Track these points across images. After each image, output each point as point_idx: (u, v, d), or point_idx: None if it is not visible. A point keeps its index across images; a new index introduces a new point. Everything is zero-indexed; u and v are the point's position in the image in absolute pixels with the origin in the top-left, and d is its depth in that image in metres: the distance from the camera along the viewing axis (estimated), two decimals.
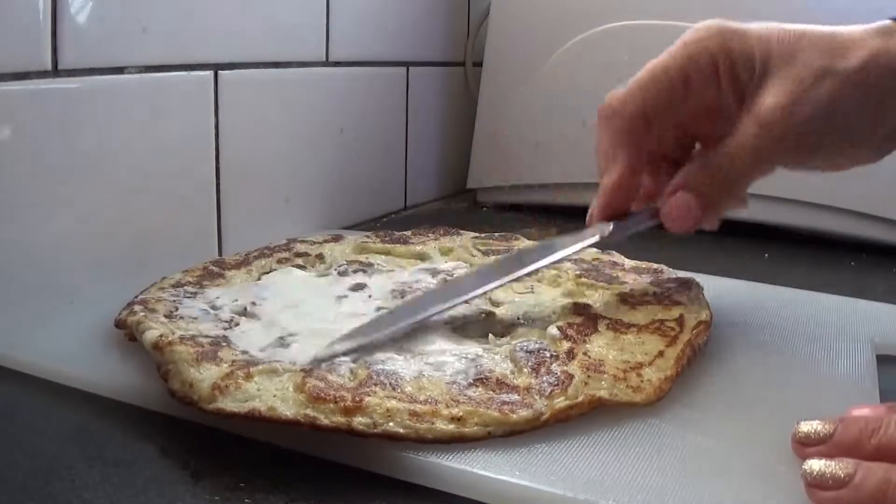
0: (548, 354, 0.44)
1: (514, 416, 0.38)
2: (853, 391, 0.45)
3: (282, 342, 0.45)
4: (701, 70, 0.45)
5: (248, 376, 0.39)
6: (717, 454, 0.37)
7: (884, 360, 0.50)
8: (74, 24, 0.53)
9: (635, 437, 0.39)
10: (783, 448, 0.38)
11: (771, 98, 0.43)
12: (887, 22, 0.43)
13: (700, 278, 0.57)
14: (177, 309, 0.48)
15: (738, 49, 0.44)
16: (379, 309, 0.50)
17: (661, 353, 0.44)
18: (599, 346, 0.45)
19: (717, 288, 0.57)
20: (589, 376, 0.41)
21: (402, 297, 0.52)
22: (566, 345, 0.45)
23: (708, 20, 0.45)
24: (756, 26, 0.45)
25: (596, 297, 0.54)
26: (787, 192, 0.80)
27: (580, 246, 0.48)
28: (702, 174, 0.45)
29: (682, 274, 0.60)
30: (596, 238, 0.48)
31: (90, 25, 0.54)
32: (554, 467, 0.36)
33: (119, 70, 0.57)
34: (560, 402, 0.39)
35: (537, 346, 0.45)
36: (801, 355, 0.50)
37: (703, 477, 0.36)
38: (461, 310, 0.50)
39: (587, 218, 0.49)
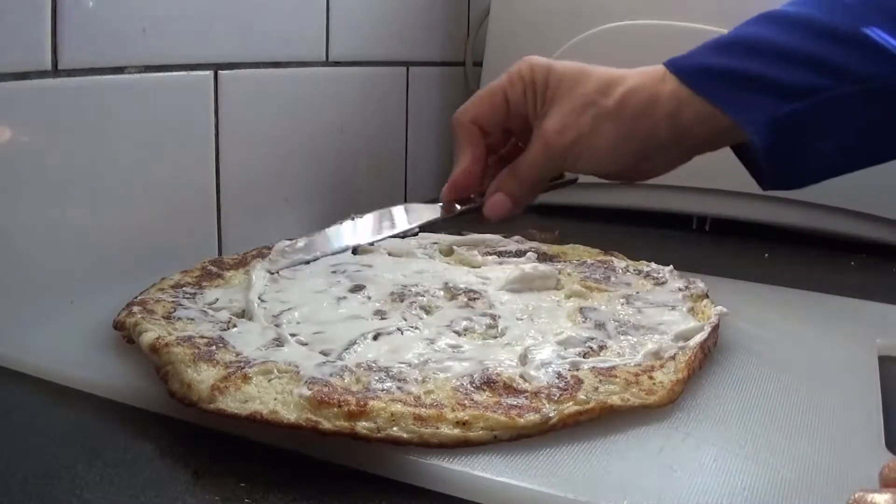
0: (558, 358, 0.44)
1: (522, 420, 0.38)
2: (855, 392, 0.45)
3: (278, 343, 0.44)
4: (515, 92, 0.59)
5: (246, 378, 0.39)
6: (721, 457, 0.37)
7: (884, 361, 0.50)
8: (74, 24, 0.53)
9: (641, 440, 0.39)
10: (784, 448, 0.38)
11: (549, 122, 0.56)
12: (660, 67, 0.55)
13: (700, 278, 0.57)
14: (175, 310, 0.48)
15: (540, 80, 0.57)
16: (378, 311, 0.50)
17: (672, 357, 0.44)
18: (611, 349, 0.45)
19: (718, 288, 0.57)
20: (600, 381, 0.41)
21: (402, 300, 0.52)
22: (577, 348, 0.45)
23: (528, 57, 0.59)
24: (560, 63, 0.58)
25: (600, 300, 0.54)
26: (788, 193, 0.80)
27: (426, 218, 0.64)
28: (510, 179, 0.59)
29: (683, 275, 0.60)
30: (437, 215, 0.63)
31: (90, 25, 0.54)
32: (558, 471, 0.36)
33: (119, 70, 0.57)
34: (569, 408, 0.39)
35: (548, 349, 0.45)
36: (802, 356, 0.50)
37: (706, 479, 0.35)
38: (465, 311, 0.50)
39: (440, 196, 0.62)
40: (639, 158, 0.56)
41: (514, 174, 0.59)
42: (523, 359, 0.44)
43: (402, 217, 0.66)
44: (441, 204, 0.62)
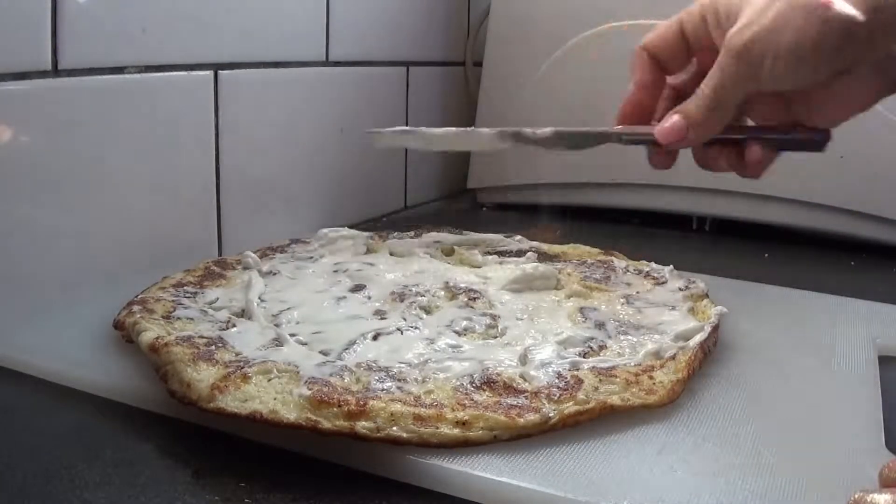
0: (558, 358, 0.44)
1: (522, 420, 0.38)
2: (855, 392, 0.45)
3: (278, 343, 0.44)
4: (693, 18, 0.53)
5: (246, 378, 0.39)
6: (721, 457, 0.37)
7: (885, 361, 0.50)
8: (74, 24, 0.53)
9: (641, 440, 0.39)
10: (784, 448, 0.38)
11: (736, 26, 0.49)
12: None
13: (700, 278, 0.57)
14: (175, 309, 0.48)
15: (723, 2, 0.51)
16: (378, 311, 0.50)
17: (672, 356, 0.44)
18: (612, 349, 0.45)
19: (718, 288, 0.57)
20: (600, 380, 0.41)
21: (402, 300, 0.52)
22: (577, 348, 0.45)
23: None
24: None
25: (600, 300, 0.54)
26: (787, 193, 0.80)
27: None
28: (691, 100, 0.52)
29: (683, 275, 0.60)
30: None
31: (90, 25, 0.54)
32: (558, 470, 0.36)
33: (119, 70, 0.57)
34: (569, 408, 0.39)
35: (548, 349, 0.45)
36: (802, 356, 0.50)
37: (706, 479, 0.35)
38: (466, 311, 0.50)
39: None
40: (832, 65, 0.48)
41: (695, 93, 0.52)
42: (523, 359, 0.44)
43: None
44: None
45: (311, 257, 0.61)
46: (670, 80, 0.56)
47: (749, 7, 0.49)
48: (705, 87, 0.51)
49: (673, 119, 0.52)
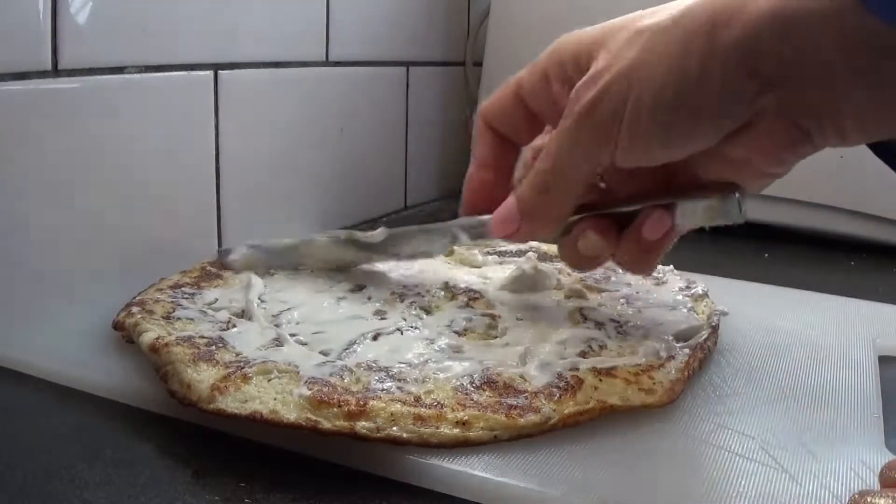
0: (558, 358, 0.44)
1: (522, 420, 0.38)
2: (855, 392, 0.45)
3: (278, 343, 0.44)
4: (531, 79, 0.43)
5: (246, 378, 0.39)
6: (721, 457, 0.37)
7: (885, 361, 0.50)
8: (74, 24, 0.53)
9: (641, 439, 0.39)
10: (784, 448, 0.38)
11: (583, 78, 0.37)
12: None
13: (700, 278, 0.58)
14: (174, 310, 0.48)
15: (570, 50, 0.40)
16: (378, 311, 0.50)
17: (672, 356, 0.44)
18: (611, 350, 0.45)
19: (718, 288, 0.57)
20: (600, 380, 0.41)
21: (402, 300, 0.52)
22: (577, 348, 0.45)
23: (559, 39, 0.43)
24: (613, 20, 0.40)
25: (599, 300, 0.54)
26: (787, 192, 0.80)
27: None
28: (525, 181, 0.40)
29: (683, 275, 0.60)
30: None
31: (90, 25, 0.54)
32: (557, 470, 0.36)
33: (119, 70, 0.57)
34: (569, 408, 0.39)
35: (548, 349, 0.45)
36: (802, 356, 0.50)
37: (706, 479, 0.35)
38: (466, 311, 0.50)
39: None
40: (716, 117, 0.34)
41: (531, 171, 0.40)
42: (523, 359, 0.44)
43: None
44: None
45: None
46: (536, 142, 0.45)
47: (604, 52, 0.37)
48: (541, 163, 0.39)
49: (507, 204, 0.41)
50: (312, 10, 0.76)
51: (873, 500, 0.31)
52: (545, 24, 0.91)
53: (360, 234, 0.55)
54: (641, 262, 0.42)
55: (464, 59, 1.05)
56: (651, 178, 0.41)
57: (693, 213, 0.40)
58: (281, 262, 0.57)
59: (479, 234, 0.47)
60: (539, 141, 0.45)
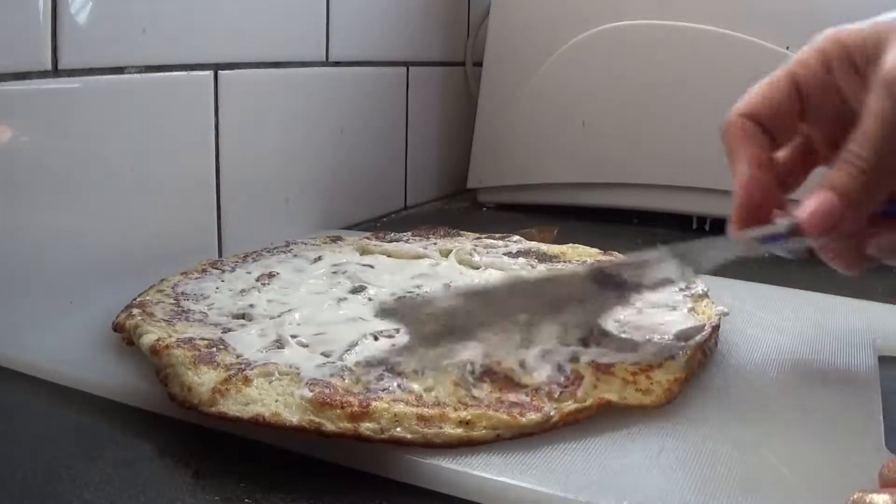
0: (558, 347, 0.43)
1: (524, 419, 0.38)
2: (855, 392, 0.45)
3: (279, 345, 0.44)
4: (810, 68, 0.42)
5: (247, 380, 0.39)
6: (721, 457, 0.37)
7: (885, 361, 0.50)
8: (74, 24, 0.53)
9: (643, 439, 0.39)
10: (784, 448, 0.38)
11: (889, 57, 0.38)
12: None
13: (700, 278, 0.57)
14: (175, 311, 0.48)
15: (853, 37, 0.40)
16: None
17: (672, 356, 0.44)
18: (612, 349, 0.45)
19: (718, 288, 0.57)
20: (598, 378, 0.41)
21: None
22: (577, 332, 0.45)
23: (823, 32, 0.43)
24: (879, 17, 0.41)
25: None
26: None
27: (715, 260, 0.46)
28: (838, 169, 0.40)
29: None
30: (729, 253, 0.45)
31: (90, 25, 0.54)
32: (558, 470, 0.35)
33: (119, 70, 0.57)
34: (569, 406, 0.39)
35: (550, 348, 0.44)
36: (802, 356, 0.50)
37: (706, 479, 0.35)
38: None
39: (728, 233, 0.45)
40: None
41: (842, 160, 0.40)
42: (524, 342, 0.44)
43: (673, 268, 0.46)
44: (731, 239, 0.44)
45: (310, 258, 0.61)
46: (780, 153, 0.45)
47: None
48: (859, 147, 0.39)
49: (823, 197, 0.40)
50: (312, 10, 0.76)
51: (873, 500, 0.31)
52: (545, 24, 0.91)
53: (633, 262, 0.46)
54: None
55: (464, 59, 1.05)
56: None
57: None
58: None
59: (782, 244, 0.43)
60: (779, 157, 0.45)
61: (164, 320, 0.46)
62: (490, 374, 0.41)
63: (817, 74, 0.42)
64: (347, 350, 0.44)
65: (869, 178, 0.39)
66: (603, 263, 0.48)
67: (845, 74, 0.41)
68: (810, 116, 0.44)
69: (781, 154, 0.46)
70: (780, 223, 0.42)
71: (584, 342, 0.45)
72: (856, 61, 0.40)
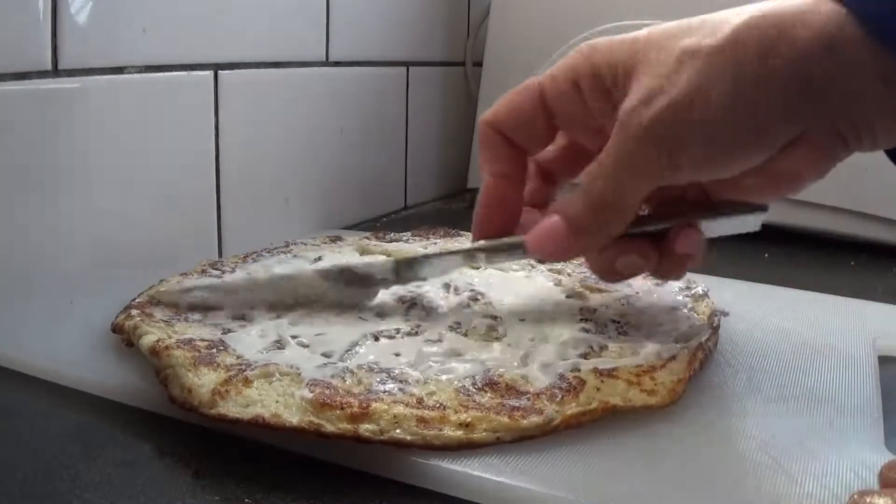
0: (559, 359, 0.44)
1: (525, 422, 0.38)
2: (855, 392, 0.45)
3: (279, 346, 0.44)
4: (558, 84, 0.41)
5: (248, 381, 0.39)
6: (721, 457, 0.37)
7: (885, 361, 0.50)
8: (74, 24, 0.53)
9: (641, 439, 0.39)
10: (784, 448, 0.38)
11: (631, 95, 0.37)
12: None
13: (700, 278, 0.57)
14: (174, 312, 0.48)
15: (603, 61, 0.40)
16: (379, 313, 0.50)
17: (674, 357, 0.44)
18: (612, 350, 0.45)
19: (718, 288, 0.57)
20: (602, 381, 0.41)
21: (403, 301, 0.52)
22: (578, 349, 0.45)
23: (582, 44, 0.41)
24: (640, 32, 0.40)
25: (599, 300, 0.54)
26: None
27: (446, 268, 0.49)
28: (571, 196, 0.40)
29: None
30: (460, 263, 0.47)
31: (90, 25, 0.54)
32: (559, 471, 0.35)
33: (119, 70, 0.57)
34: (572, 409, 0.39)
35: (550, 350, 0.44)
36: (802, 356, 0.50)
37: (707, 479, 0.35)
38: (467, 313, 0.50)
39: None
40: (779, 137, 0.36)
41: (578, 189, 0.40)
42: (525, 360, 0.44)
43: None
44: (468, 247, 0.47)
45: (310, 259, 0.61)
46: (540, 156, 0.45)
47: (646, 69, 0.38)
48: (595, 179, 0.38)
49: (552, 222, 0.40)
50: (312, 10, 0.76)
51: (873, 500, 0.31)
52: (545, 24, 0.91)
53: (358, 265, 0.50)
54: (675, 272, 0.44)
55: (464, 59, 1.05)
56: (680, 197, 0.42)
57: (717, 228, 0.42)
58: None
59: (507, 257, 0.45)
60: (543, 156, 0.45)
61: (163, 321, 0.46)
62: (491, 385, 0.41)
63: (565, 92, 0.41)
64: (348, 350, 0.44)
65: (600, 211, 0.39)
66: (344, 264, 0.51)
67: (593, 94, 0.40)
68: (564, 127, 0.43)
69: (548, 152, 0.45)
70: (509, 239, 0.43)
71: (585, 356, 0.45)
72: (605, 84, 0.40)
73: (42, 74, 0.52)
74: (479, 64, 1.01)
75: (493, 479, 0.35)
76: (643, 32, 0.40)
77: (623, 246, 0.41)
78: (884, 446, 0.39)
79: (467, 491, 0.35)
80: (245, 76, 0.68)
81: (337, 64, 0.80)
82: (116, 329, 0.47)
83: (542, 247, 0.41)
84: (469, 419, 0.37)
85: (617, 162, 0.38)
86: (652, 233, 0.42)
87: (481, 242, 0.45)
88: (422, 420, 0.37)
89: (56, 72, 0.52)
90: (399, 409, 0.37)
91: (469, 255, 0.46)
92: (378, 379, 0.40)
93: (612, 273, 0.43)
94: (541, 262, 0.44)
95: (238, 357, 0.42)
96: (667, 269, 0.43)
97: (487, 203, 0.44)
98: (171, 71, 0.61)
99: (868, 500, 0.31)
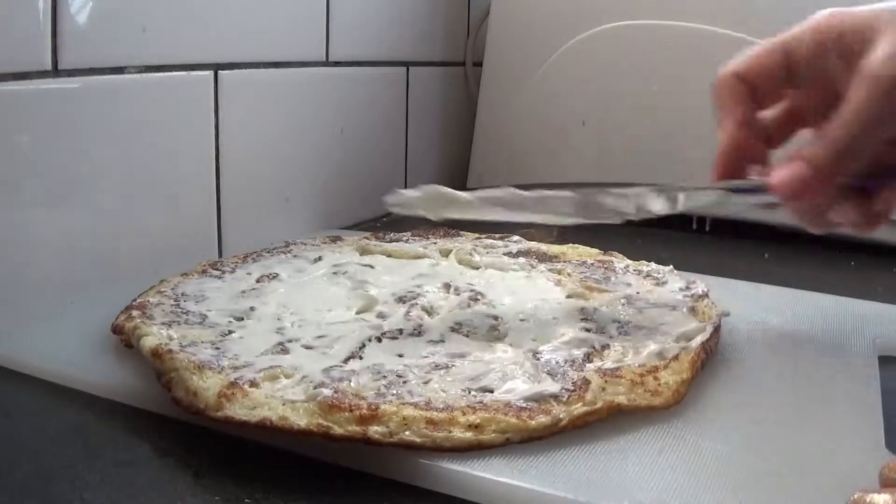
0: (563, 360, 0.44)
1: (533, 422, 0.37)
2: (855, 392, 0.45)
3: (282, 347, 0.44)
4: (803, 43, 0.45)
5: (253, 383, 0.39)
6: (722, 457, 0.37)
7: (885, 361, 0.50)
8: (74, 24, 0.53)
9: (644, 440, 0.39)
10: (785, 448, 0.38)
11: (878, 52, 0.41)
12: None
13: (700, 278, 0.57)
14: (175, 313, 0.48)
15: (848, 22, 0.43)
16: (380, 314, 0.50)
17: (675, 357, 0.44)
18: (614, 350, 0.45)
19: (718, 288, 0.57)
20: (606, 381, 0.41)
21: (404, 301, 0.52)
22: (580, 349, 0.45)
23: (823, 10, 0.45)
24: (869, 7, 0.44)
25: (600, 301, 0.54)
26: None
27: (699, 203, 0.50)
28: (815, 143, 0.44)
29: (683, 275, 0.60)
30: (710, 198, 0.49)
31: (90, 25, 0.54)
32: (565, 472, 0.35)
33: (119, 70, 0.57)
34: (578, 409, 0.39)
35: (552, 350, 0.44)
36: (802, 356, 0.50)
37: (707, 479, 0.35)
38: (468, 313, 0.50)
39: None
40: None
41: (821, 135, 0.44)
42: (528, 355, 0.44)
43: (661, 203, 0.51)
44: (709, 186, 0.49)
45: (310, 259, 0.61)
46: (765, 113, 0.49)
47: (891, 30, 0.41)
48: (838, 128, 0.42)
49: (796, 165, 0.44)
50: (312, 10, 0.76)
51: (873, 500, 0.31)
52: (545, 24, 0.91)
53: (608, 200, 0.52)
54: (872, 226, 0.48)
55: (464, 59, 1.05)
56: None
57: None
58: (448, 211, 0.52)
59: (753, 196, 0.47)
60: (764, 118, 0.49)
61: (163, 322, 0.46)
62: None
63: (809, 50, 0.45)
64: (352, 352, 0.44)
65: (840, 157, 0.43)
66: None
67: (835, 56, 0.44)
68: (797, 85, 0.47)
69: (769, 113, 0.49)
70: (754, 179, 0.47)
71: (587, 356, 0.45)
72: (847, 46, 0.43)
73: (42, 74, 0.52)
74: (479, 64, 1.01)
75: (500, 480, 0.35)
76: (883, 3, 0.43)
77: (842, 196, 0.46)
78: (884, 446, 0.39)
79: (476, 493, 0.35)
80: (245, 76, 0.68)
81: (337, 64, 0.80)
82: (116, 330, 0.47)
83: (787, 185, 0.44)
84: (478, 421, 0.37)
85: (859, 111, 0.42)
86: (860, 190, 0.46)
87: (732, 182, 0.48)
88: (431, 422, 0.36)
89: (56, 72, 0.52)
90: (408, 412, 0.37)
91: (724, 194, 0.48)
92: (384, 381, 0.40)
93: (822, 222, 0.48)
94: (778, 205, 0.47)
95: (242, 359, 0.42)
96: (868, 222, 0.48)
97: (729, 147, 0.48)
98: (171, 71, 0.61)
99: (868, 500, 0.31)
